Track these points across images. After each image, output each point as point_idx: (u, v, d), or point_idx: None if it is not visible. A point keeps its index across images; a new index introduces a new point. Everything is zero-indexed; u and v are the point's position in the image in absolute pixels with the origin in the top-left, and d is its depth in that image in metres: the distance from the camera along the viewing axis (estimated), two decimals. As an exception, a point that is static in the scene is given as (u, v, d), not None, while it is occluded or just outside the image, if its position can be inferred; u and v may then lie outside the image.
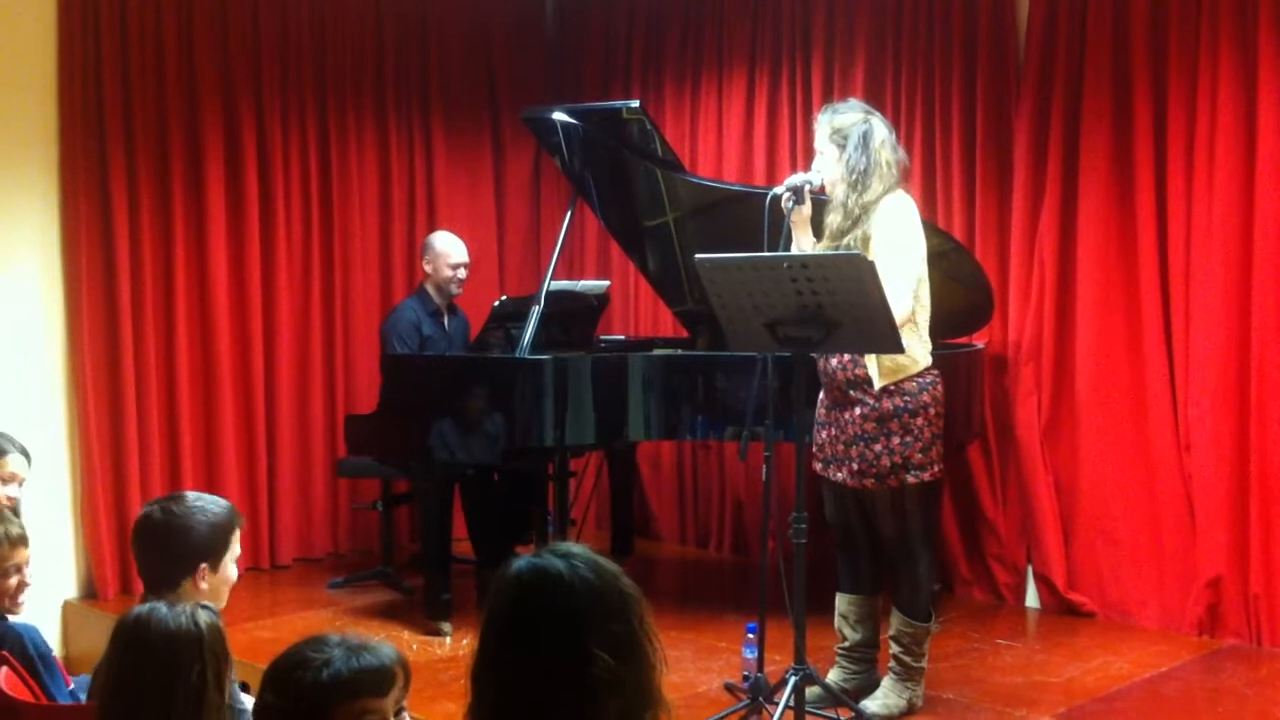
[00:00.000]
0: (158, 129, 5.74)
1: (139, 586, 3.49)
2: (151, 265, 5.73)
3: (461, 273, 5.90)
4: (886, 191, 4.07)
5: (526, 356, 5.01)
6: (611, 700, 1.79)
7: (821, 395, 4.23)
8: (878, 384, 4.02)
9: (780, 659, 4.25)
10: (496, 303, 5.80)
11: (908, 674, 4.20)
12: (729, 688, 4.41)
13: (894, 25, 5.78)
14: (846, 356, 4.04)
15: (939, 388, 4.12)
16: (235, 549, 2.96)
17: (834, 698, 4.08)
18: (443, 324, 5.90)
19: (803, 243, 4.18)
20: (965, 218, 5.58)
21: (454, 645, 4.98)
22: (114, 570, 5.59)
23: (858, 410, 4.06)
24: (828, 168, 4.13)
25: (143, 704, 2.24)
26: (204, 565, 2.87)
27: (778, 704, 3.83)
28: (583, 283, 6.23)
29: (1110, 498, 5.24)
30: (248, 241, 6.04)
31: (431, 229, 6.45)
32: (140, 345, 5.69)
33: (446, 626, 5.10)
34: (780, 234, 4.13)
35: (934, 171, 5.68)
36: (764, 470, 3.98)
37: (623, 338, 6.50)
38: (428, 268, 5.90)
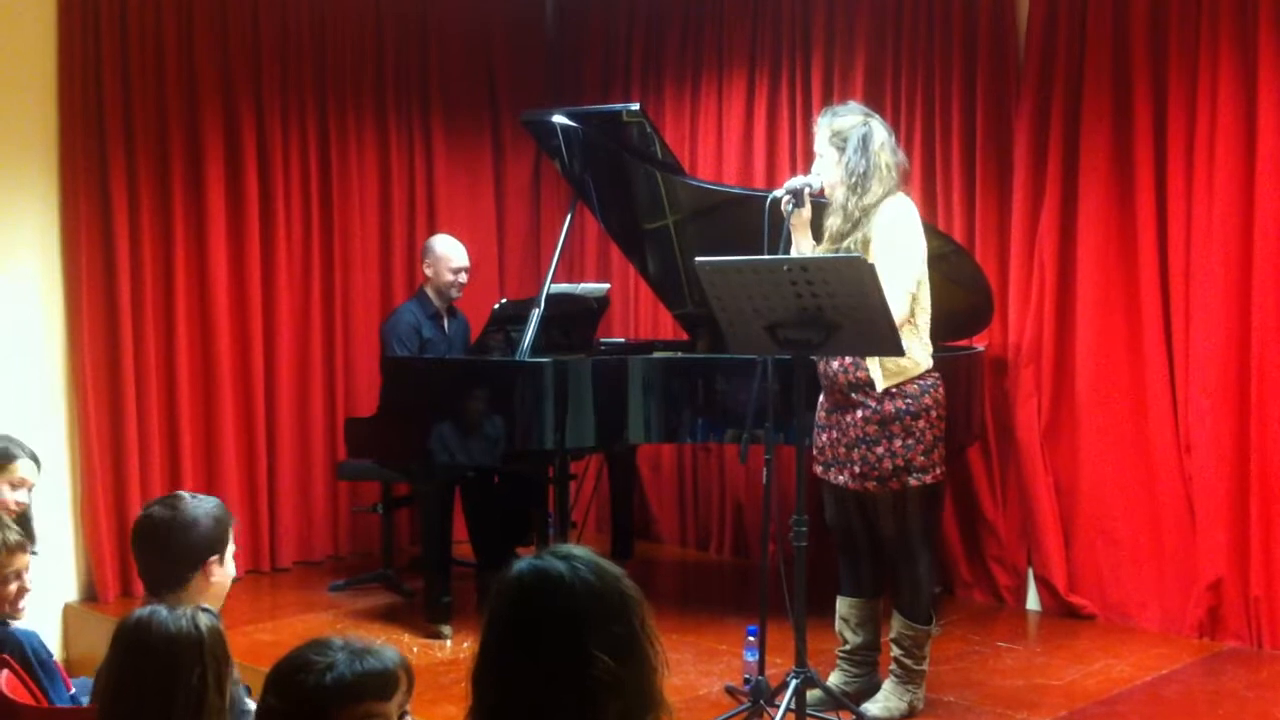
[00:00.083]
0: (158, 129, 5.74)
1: (140, 589, 3.49)
2: (151, 265, 5.73)
3: (462, 277, 5.90)
4: (887, 194, 4.07)
5: (527, 359, 5.01)
6: (612, 702, 1.79)
7: (821, 398, 4.23)
8: (880, 386, 4.02)
9: (781, 662, 4.25)
10: (496, 305, 5.80)
11: (908, 677, 4.20)
12: (730, 690, 4.40)
13: (894, 26, 5.78)
14: (848, 359, 4.04)
15: (940, 390, 4.12)
16: (232, 544, 2.99)
17: (835, 701, 4.07)
18: (442, 327, 5.90)
19: (802, 245, 4.18)
20: (965, 219, 5.58)
21: (454, 648, 4.97)
22: (114, 573, 5.58)
23: (859, 413, 4.06)
24: (827, 170, 4.13)
25: (143, 707, 2.24)
26: (213, 558, 2.90)
27: (779, 707, 3.82)
28: (583, 285, 6.23)
29: (1110, 499, 5.24)
30: (248, 242, 6.05)
31: (431, 230, 6.45)
32: (140, 346, 5.69)
33: (447, 629, 5.10)
34: (780, 237, 4.13)
35: (934, 173, 5.68)
36: (764, 473, 3.98)
37: (623, 340, 6.50)
38: (428, 271, 5.90)
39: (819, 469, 4.22)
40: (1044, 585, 5.40)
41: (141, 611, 2.33)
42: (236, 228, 6.02)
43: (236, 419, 6.03)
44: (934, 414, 4.08)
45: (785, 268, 3.68)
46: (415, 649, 4.90)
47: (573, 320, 5.76)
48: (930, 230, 4.25)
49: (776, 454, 4.02)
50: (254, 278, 6.07)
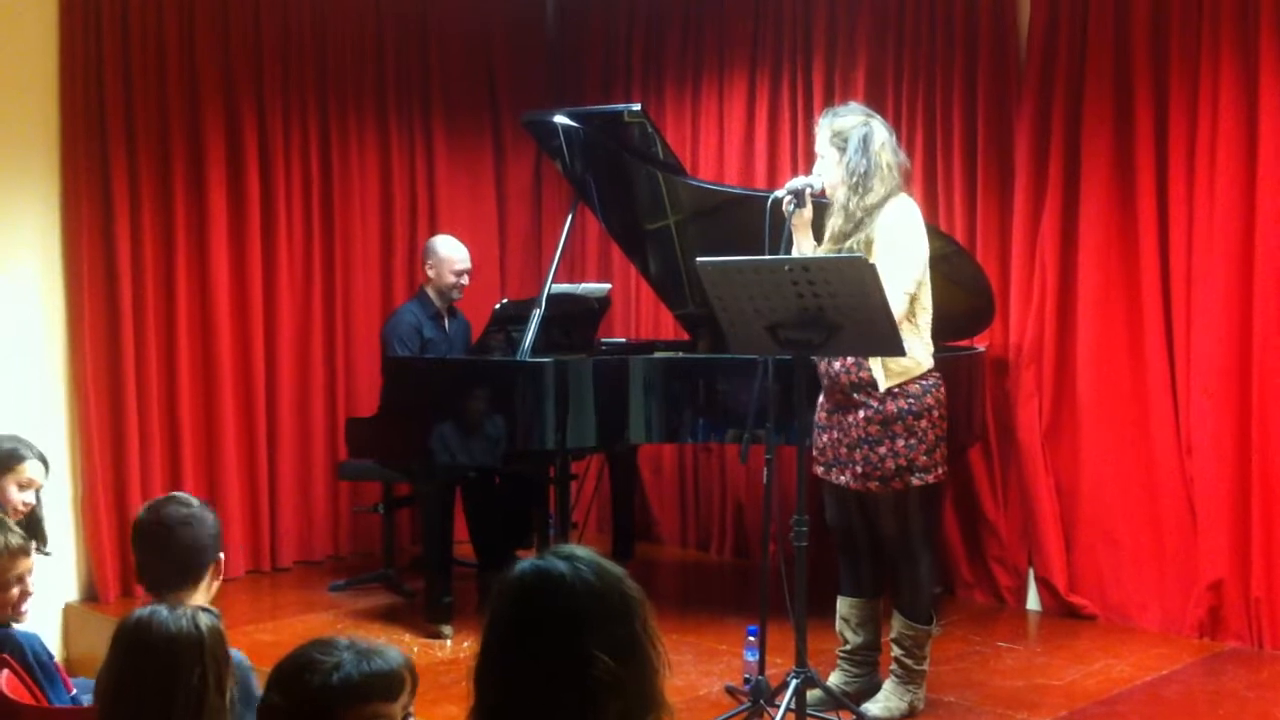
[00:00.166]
0: (159, 130, 5.75)
1: (140, 589, 3.49)
2: (153, 266, 5.74)
3: (465, 278, 5.90)
4: (889, 195, 4.07)
5: (528, 359, 5.01)
6: (612, 702, 1.79)
7: (821, 399, 4.23)
8: (883, 386, 4.02)
9: (781, 662, 4.25)
10: (497, 305, 5.81)
11: (909, 677, 4.20)
12: (730, 691, 4.41)
13: (895, 28, 5.78)
14: (850, 360, 4.04)
15: (941, 390, 4.12)
16: None
17: (835, 701, 4.07)
18: (443, 327, 5.90)
19: (804, 246, 4.18)
20: (966, 220, 5.58)
21: (455, 648, 4.98)
22: (115, 573, 5.59)
23: (861, 413, 4.06)
24: (828, 171, 4.14)
25: (143, 707, 2.24)
26: (221, 556, 2.95)
27: (779, 707, 3.82)
28: (584, 285, 6.23)
29: (1111, 500, 5.24)
30: (249, 243, 6.05)
31: (432, 231, 6.45)
32: (141, 347, 5.69)
33: (447, 629, 5.10)
34: (781, 237, 4.13)
35: (935, 174, 5.68)
36: (765, 473, 3.98)
37: (624, 341, 6.51)
38: (430, 272, 5.89)
39: (819, 469, 4.22)
40: (1045, 586, 5.40)
41: (142, 611, 2.33)
42: (238, 228, 6.02)
43: (237, 419, 6.04)
44: (936, 414, 4.08)
45: (786, 268, 3.69)
46: (416, 649, 4.90)
47: (574, 320, 5.76)
48: (932, 231, 4.26)
49: (777, 454, 4.02)
50: (255, 278, 6.07)
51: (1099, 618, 5.27)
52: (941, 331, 4.30)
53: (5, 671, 2.76)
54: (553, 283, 5.36)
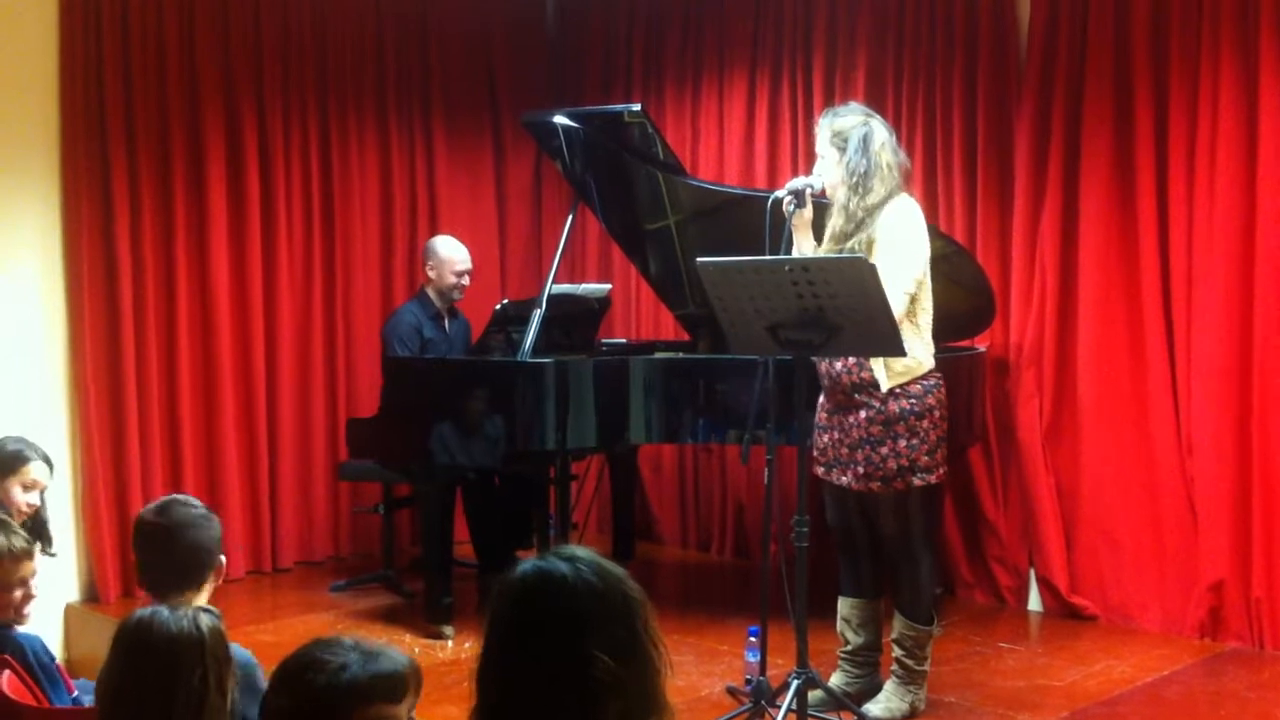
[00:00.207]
0: (159, 130, 5.75)
1: (141, 590, 3.49)
2: (153, 267, 5.74)
3: (465, 279, 5.90)
4: (890, 195, 4.06)
5: (528, 360, 5.01)
6: (613, 703, 1.79)
7: (821, 399, 4.23)
8: (885, 387, 4.02)
9: (782, 662, 4.24)
10: (498, 306, 5.81)
11: (910, 677, 4.20)
12: (731, 691, 4.40)
13: (895, 28, 5.78)
14: (852, 360, 4.04)
15: (942, 390, 4.12)
16: None
17: (836, 701, 4.07)
18: (443, 327, 5.90)
19: (804, 246, 4.18)
20: (966, 221, 5.58)
21: (455, 649, 4.98)
22: (115, 573, 5.58)
23: (863, 414, 4.06)
24: (828, 171, 4.13)
25: (144, 708, 2.23)
26: (222, 560, 2.95)
27: (780, 707, 3.82)
28: (584, 286, 6.23)
29: (1112, 501, 5.24)
30: (249, 243, 6.05)
31: (433, 231, 6.45)
32: (142, 347, 5.69)
33: (448, 630, 5.10)
34: (782, 237, 4.13)
35: (935, 174, 5.68)
36: (766, 473, 3.98)
37: (624, 341, 6.51)
38: (431, 273, 5.89)
39: (820, 470, 4.21)
40: (1045, 586, 5.40)
41: (143, 612, 2.32)
42: (238, 228, 6.02)
43: (238, 419, 6.04)
44: (937, 414, 4.08)
45: (787, 268, 3.68)
46: (416, 649, 4.90)
47: (574, 321, 5.76)
48: (932, 231, 4.26)
49: (778, 455, 4.02)
50: (255, 278, 6.07)
51: (1100, 618, 5.26)
52: (942, 332, 4.29)
53: (6, 672, 2.76)
54: (553, 283, 5.36)
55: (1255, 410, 4.82)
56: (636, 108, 5.38)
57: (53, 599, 5.43)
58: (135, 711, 2.24)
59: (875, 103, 5.33)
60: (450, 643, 5.04)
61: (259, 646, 4.71)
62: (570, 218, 5.55)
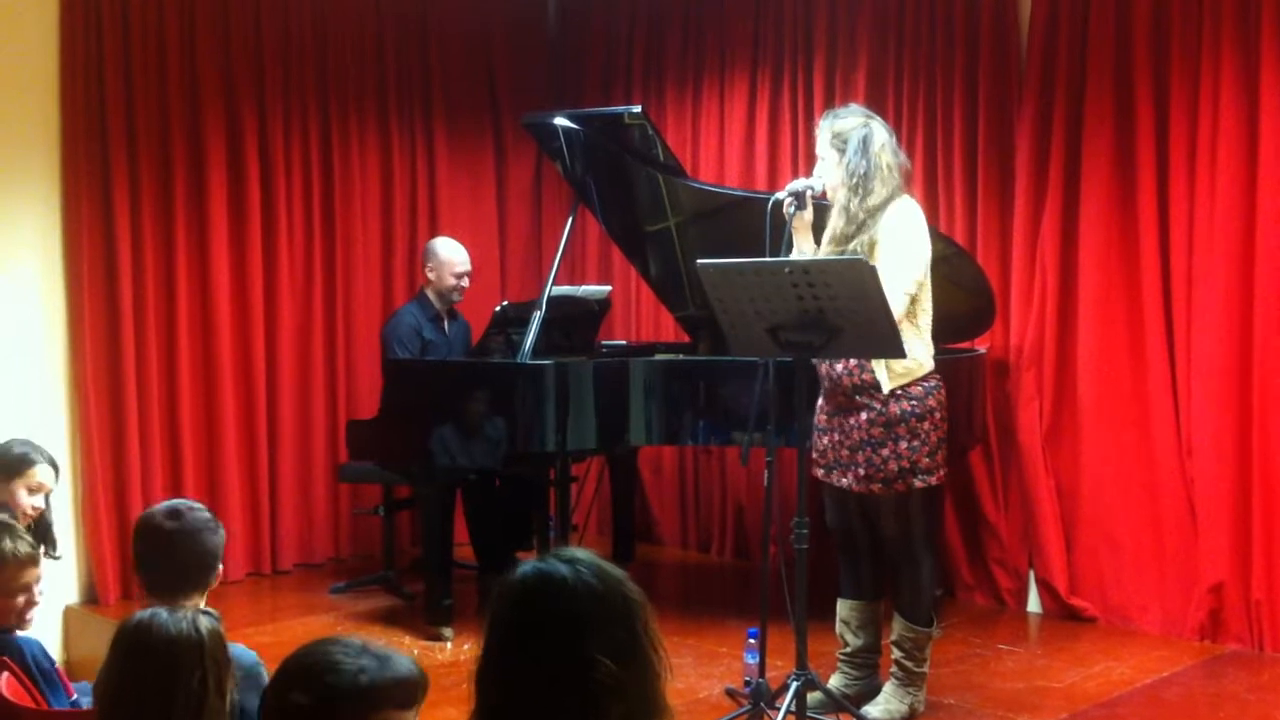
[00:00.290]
0: (160, 131, 5.75)
1: (141, 590, 3.49)
2: (153, 268, 5.73)
3: (465, 280, 5.89)
4: (891, 196, 4.06)
5: (528, 361, 5.01)
6: (613, 705, 1.79)
7: (820, 401, 4.22)
8: (886, 388, 4.02)
9: (782, 664, 4.24)
10: (498, 308, 5.80)
11: (909, 679, 4.20)
12: (730, 693, 4.40)
13: (896, 29, 5.78)
14: (853, 362, 4.04)
15: (943, 391, 4.12)
16: None
17: (835, 703, 4.07)
18: (443, 329, 5.89)
19: (804, 248, 4.18)
20: (967, 222, 5.58)
21: (455, 650, 4.97)
22: (115, 575, 5.58)
23: (864, 415, 4.06)
24: (829, 173, 4.13)
25: (143, 709, 2.23)
26: (220, 567, 2.96)
27: (779, 709, 3.82)
28: (584, 288, 6.23)
29: (1112, 502, 5.23)
30: (249, 244, 6.05)
31: (433, 233, 6.45)
32: (142, 347, 5.69)
33: (448, 632, 5.10)
34: (782, 239, 4.13)
35: (935, 176, 5.68)
36: (765, 475, 3.98)
37: (624, 343, 6.50)
38: (430, 274, 5.89)
39: (819, 472, 4.21)
40: (1045, 588, 5.40)
41: (142, 614, 2.32)
42: (238, 229, 6.02)
43: (238, 421, 6.03)
44: (938, 415, 4.08)
45: (787, 270, 3.69)
46: (416, 651, 4.89)
47: (574, 322, 5.76)
48: (932, 232, 4.25)
49: (778, 456, 4.02)
50: (255, 279, 6.07)
51: (1099, 620, 5.26)
52: (942, 333, 4.30)
53: (5, 674, 2.76)
54: (553, 285, 5.36)
55: (1255, 411, 4.82)
56: (637, 109, 5.38)
57: (52, 601, 5.42)
58: (134, 713, 2.24)
59: (876, 103, 5.33)
60: (450, 644, 5.03)
61: (258, 648, 4.70)
62: (570, 219, 5.55)
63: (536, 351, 5.10)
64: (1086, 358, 5.27)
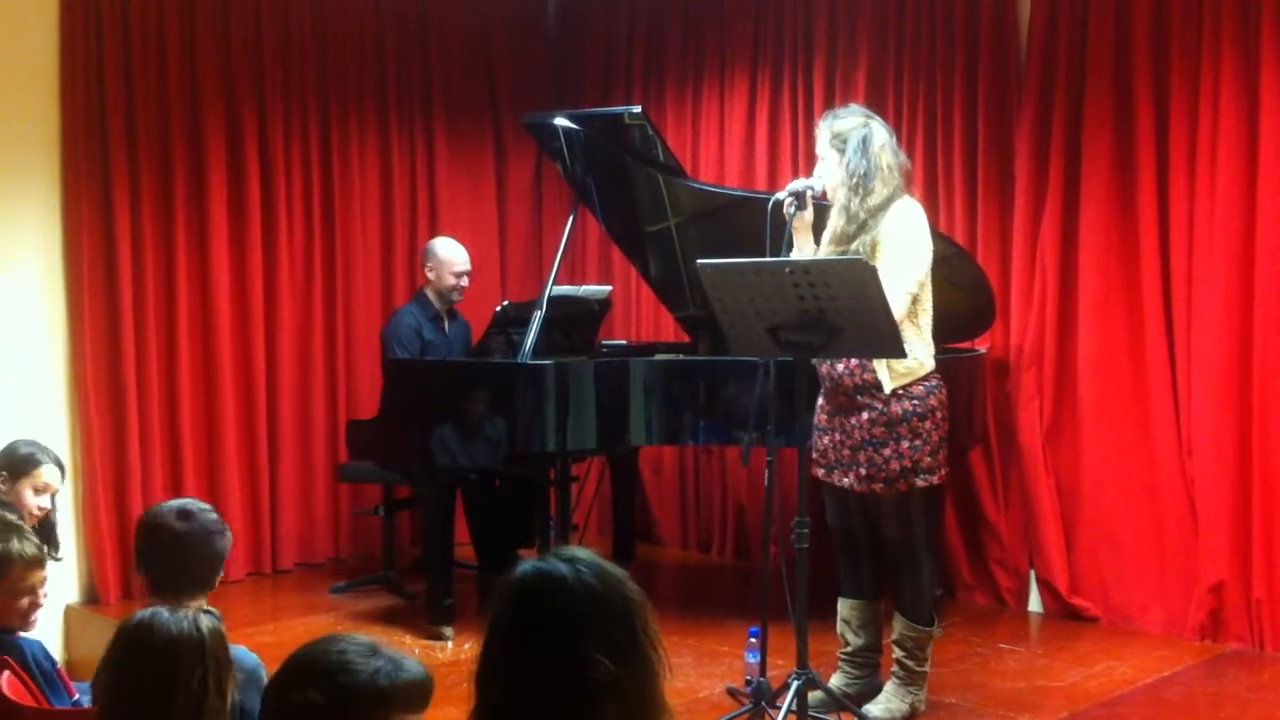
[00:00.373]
0: (160, 131, 5.75)
1: (143, 588, 3.49)
2: (153, 268, 5.73)
3: (464, 280, 5.89)
4: (892, 196, 4.06)
5: (528, 361, 5.01)
6: (612, 705, 1.79)
7: (821, 401, 4.22)
8: (888, 388, 4.01)
9: (782, 664, 4.23)
10: (498, 308, 5.80)
11: (910, 678, 4.20)
12: (731, 692, 4.40)
13: (895, 30, 5.78)
14: (854, 362, 4.04)
15: (944, 391, 4.12)
16: None
17: (836, 702, 4.07)
18: (443, 329, 5.89)
19: (804, 248, 4.18)
20: (967, 222, 5.58)
21: (456, 650, 4.97)
22: (115, 575, 5.58)
23: (865, 415, 4.05)
24: (829, 173, 4.14)
25: (143, 709, 2.23)
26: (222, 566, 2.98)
27: (780, 709, 3.82)
28: (584, 288, 6.23)
29: (1112, 501, 5.24)
30: (249, 244, 6.05)
31: (433, 233, 6.45)
32: (142, 347, 5.69)
33: (448, 631, 5.10)
34: (782, 239, 4.13)
35: (935, 176, 5.68)
36: (766, 475, 3.98)
37: (624, 343, 6.50)
38: (430, 274, 5.89)
39: (820, 472, 4.21)
40: (1046, 587, 5.40)
41: (143, 613, 2.32)
42: (238, 229, 6.02)
43: (238, 421, 6.03)
44: (939, 415, 4.08)
45: (787, 270, 3.69)
46: (416, 651, 4.89)
47: (574, 322, 5.75)
48: (932, 232, 4.26)
49: (778, 456, 4.02)
50: (255, 279, 6.07)
51: (1100, 619, 5.26)
52: (942, 333, 4.30)
53: (6, 673, 2.76)
54: (553, 285, 5.36)
55: (1255, 411, 4.82)
56: (637, 110, 5.38)
57: (52, 601, 5.39)
58: (134, 713, 2.24)
59: (876, 104, 5.33)
60: (450, 644, 5.04)
61: (259, 648, 4.70)
62: (570, 219, 5.55)
63: (537, 351, 5.10)
64: (1086, 357, 5.27)
